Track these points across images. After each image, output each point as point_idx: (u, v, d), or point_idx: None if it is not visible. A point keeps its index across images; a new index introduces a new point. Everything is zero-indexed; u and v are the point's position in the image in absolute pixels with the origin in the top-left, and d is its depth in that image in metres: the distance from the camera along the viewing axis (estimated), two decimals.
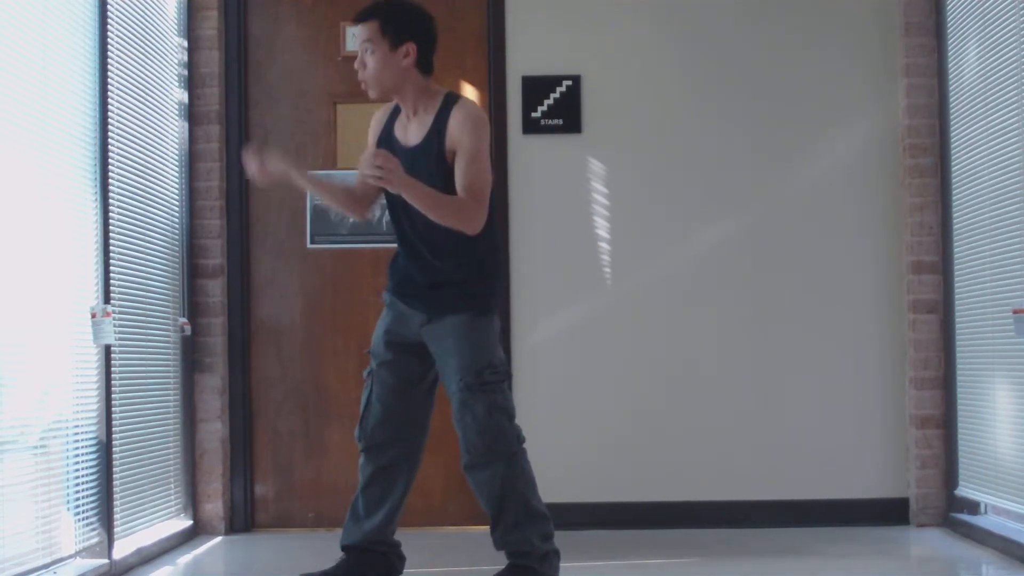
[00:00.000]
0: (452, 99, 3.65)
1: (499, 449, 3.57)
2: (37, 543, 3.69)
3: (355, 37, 3.69)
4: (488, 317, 3.65)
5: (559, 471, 4.77)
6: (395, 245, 3.78)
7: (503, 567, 3.64)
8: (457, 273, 3.63)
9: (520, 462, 3.62)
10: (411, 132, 3.67)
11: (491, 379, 3.57)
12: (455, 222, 3.53)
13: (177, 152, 4.98)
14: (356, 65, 3.65)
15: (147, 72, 4.62)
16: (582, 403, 5.07)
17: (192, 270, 5.04)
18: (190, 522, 4.96)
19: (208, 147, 5.08)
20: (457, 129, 3.57)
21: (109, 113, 4.14)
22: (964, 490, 4.82)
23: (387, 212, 3.80)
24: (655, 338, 5.09)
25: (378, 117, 3.81)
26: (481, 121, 3.62)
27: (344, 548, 3.75)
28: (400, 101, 3.69)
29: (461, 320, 3.59)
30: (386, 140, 3.71)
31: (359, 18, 3.64)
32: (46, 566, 3.73)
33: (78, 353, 3.95)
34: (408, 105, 3.68)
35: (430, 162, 3.58)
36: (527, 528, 3.61)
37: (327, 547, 3.91)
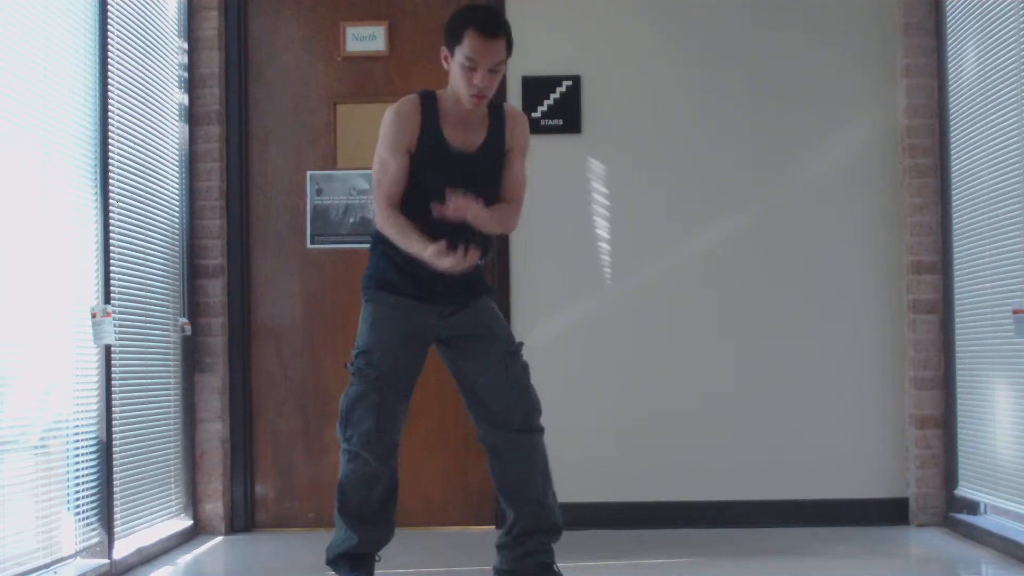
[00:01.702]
0: (497, 103, 3.70)
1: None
2: (37, 543, 3.69)
3: (486, 55, 3.47)
4: None
5: (558, 471, 4.75)
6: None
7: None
8: (482, 259, 3.72)
9: None
10: (469, 135, 3.62)
11: None
12: (507, 228, 3.72)
13: (177, 152, 4.98)
14: (483, 81, 3.49)
15: (147, 72, 4.62)
16: (581, 403, 5.07)
17: (192, 270, 5.04)
18: (190, 522, 4.96)
19: (208, 147, 5.08)
20: (519, 130, 3.71)
21: (109, 113, 4.15)
22: (964, 490, 4.83)
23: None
24: (655, 338, 5.09)
25: (408, 113, 3.59)
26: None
27: (367, 556, 3.73)
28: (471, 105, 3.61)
29: (491, 300, 3.77)
30: (434, 138, 3.60)
31: (499, 33, 3.50)
32: (46, 566, 3.73)
33: (78, 353, 3.95)
34: (472, 108, 3.60)
35: (494, 167, 3.66)
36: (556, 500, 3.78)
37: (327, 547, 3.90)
